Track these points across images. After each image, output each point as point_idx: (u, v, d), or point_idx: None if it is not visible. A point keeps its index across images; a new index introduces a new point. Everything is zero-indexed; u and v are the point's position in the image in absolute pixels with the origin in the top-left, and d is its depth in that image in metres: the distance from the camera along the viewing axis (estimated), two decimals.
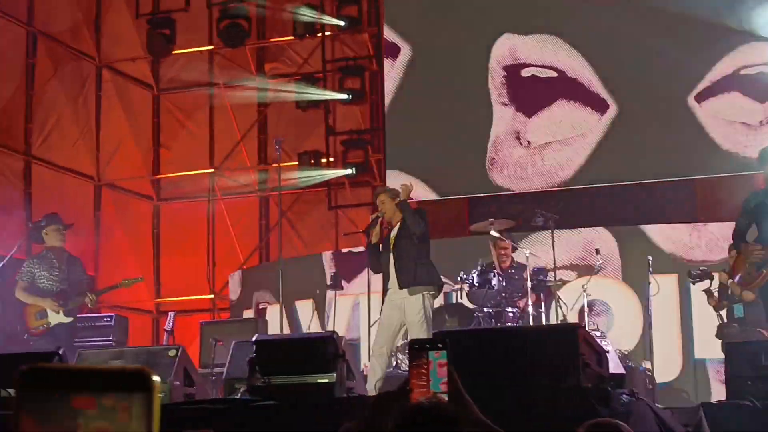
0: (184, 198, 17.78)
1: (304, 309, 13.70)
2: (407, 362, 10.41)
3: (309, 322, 13.31)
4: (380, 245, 9.50)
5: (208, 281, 17.32)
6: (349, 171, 16.05)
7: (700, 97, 13.44)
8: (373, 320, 12.06)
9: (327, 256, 14.28)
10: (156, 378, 0.98)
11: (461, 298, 11.38)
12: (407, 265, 9.27)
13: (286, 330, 12.45)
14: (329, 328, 12.75)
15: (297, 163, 16.18)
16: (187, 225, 17.72)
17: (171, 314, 11.50)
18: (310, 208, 17.20)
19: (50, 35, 16.17)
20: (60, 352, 6.44)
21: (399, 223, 9.45)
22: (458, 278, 11.46)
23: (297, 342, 6.86)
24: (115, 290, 11.53)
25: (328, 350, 6.23)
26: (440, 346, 3.16)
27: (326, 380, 6.29)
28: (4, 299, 10.70)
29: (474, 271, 11.32)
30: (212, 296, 17.14)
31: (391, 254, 9.37)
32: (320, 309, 13.48)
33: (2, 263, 10.09)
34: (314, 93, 16.44)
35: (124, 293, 16.26)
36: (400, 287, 9.21)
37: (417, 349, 3.20)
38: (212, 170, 17.49)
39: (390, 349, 9.32)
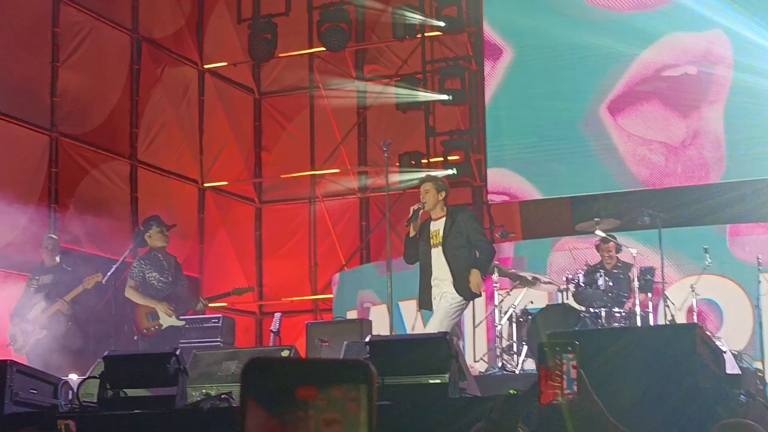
0: (285, 200, 17.96)
1: (408, 309, 13.71)
2: (513, 363, 10.32)
3: (413, 323, 13.32)
4: (418, 236, 9.26)
5: (311, 282, 17.46)
6: (449, 171, 16.02)
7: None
8: (477, 320, 12.06)
9: None
10: (374, 369, 1.00)
11: (567, 299, 11.29)
12: (463, 274, 9.02)
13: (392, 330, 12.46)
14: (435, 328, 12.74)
15: (398, 164, 16.21)
16: (289, 227, 17.89)
17: (277, 315, 11.57)
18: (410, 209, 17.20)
19: (154, 41, 16.46)
20: (177, 353, 6.53)
21: (444, 219, 9.20)
22: (564, 278, 11.38)
23: (410, 342, 6.86)
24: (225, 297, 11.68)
25: (441, 350, 6.21)
26: (571, 348, 3.15)
27: (439, 381, 6.28)
28: (116, 301, 10.87)
29: (580, 271, 11.23)
30: (315, 297, 17.27)
31: (438, 250, 9.14)
32: (424, 310, 13.46)
33: (115, 267, 10.23)
34: (414, 94, 16.46)
35: (229, 298, 16.51)
36: (461, 295, 9.02)
37: (549, 351, 3.18)
38: (313, 172, 17.62)
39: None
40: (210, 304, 11.28)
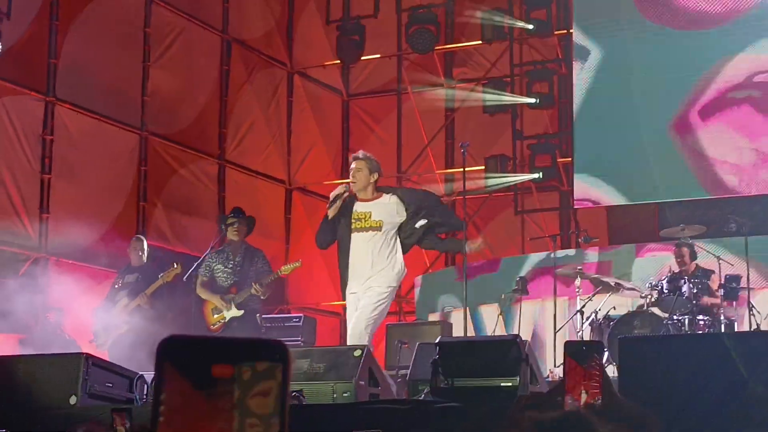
0: None
1: (489, 314, 13.67)
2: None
3: (494, 327, 13.26)
4: (337, 219, 8.38)
5: None
6: (536, 175, 15.93)
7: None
8: (559, 325, 11.96)
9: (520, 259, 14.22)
10: (290, 351, 1.00)
11: (651, 306, 11.12)
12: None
13: (471, 334, 12.43)
14: (514, 332, 12.68)
15: (483, 167, 16.15)
16: None
17: None
18: (496, 213, 17.16)
19: (244, 42, 16.62)
20: None
21: (376, 202, 8.37)
22: (648, 285, 11.22)
23: (480, 344, 6.83)
24: (278, 278, 11.35)
25: (511, 353, 6.17)
26: (597, 351, 3.13)
27: (509, 384, 6.23)
28: (198, 300, 10.94)
29: (664, 277, 11.07)
30: (398, 299, 17.27)
31: (360, 236, 8.33)
32: (505, 314, 13.42)
33: (197, 264, 10.29)
34: (502, 97, 16.40)
35: (313, 295, 16.64)
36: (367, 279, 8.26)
37: (581, 352, 3.16)
38: (400, 174, 17.64)
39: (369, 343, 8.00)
40: (291, 300, 11.20)
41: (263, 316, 11.51)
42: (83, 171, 13.79)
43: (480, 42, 16.88)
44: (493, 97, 16.51)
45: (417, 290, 15.73)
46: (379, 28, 17.40)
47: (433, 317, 14.34)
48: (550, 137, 16.42)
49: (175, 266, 10.59)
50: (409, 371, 7.20)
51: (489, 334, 13.15)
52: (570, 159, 15.51)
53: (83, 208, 13.66)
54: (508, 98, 16.37)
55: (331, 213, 8.39)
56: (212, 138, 16.01)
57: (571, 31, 15.49)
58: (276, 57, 17.39)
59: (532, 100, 16.01)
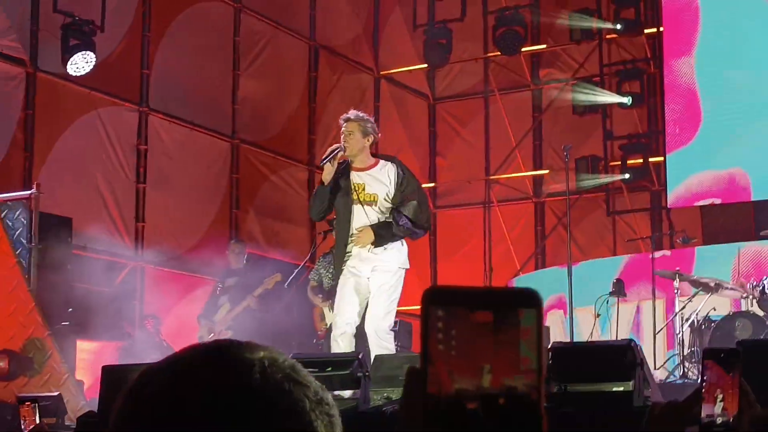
0: (460, 205, 17.97)
1: (583, 317, 13.54)
2: (695, 371, 10.04)
3: (590, 331, 13.14)
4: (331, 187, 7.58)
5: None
6: (627, 176, 15.78)
7: None
8: (658, 327, 11.84)
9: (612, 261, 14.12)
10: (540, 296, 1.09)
11: (752, 306, 10.95)
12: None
13: (567, 338, 12.35)
14: (611, 335, 12.56)
15: (574, 168, 16.02)
16: (464, 231, 17.89)
17: None
18: (586, 214, 17.02)
19: (331, 49, 16.70)
20: (360, 357, 6.59)
21: (374, 170, 7.61)
22: (749, 285, 11.05)
23: (594, 349, 6.77)
24: None
25: (626, 358, 6.12)
26: (734, 357, 3.08)
27: (623, 389, 6.18)
28: (297, 305, 11.01)
29: (765, 277, 10.88)
30: None
31: (361, 208, 7.56)
32: (601, 317, 13.28)
33: (296, 271, 10.38)
34: (592, 96, 16.24)
35: (405, 299, 16.61)
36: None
37: (720, 359, 3.11)
38: (488, 177, 17.60)
39: (354, 328, 7.53)
40: None
41: None
42: (177, 180, 13.96)
43: (568, 42, 16.76)
44: (583, 98, 16.37)
45: None
46: (466, 32, 17.35)
47: None
48: (641, 137, 16.24)
49: (276, 274, 10.71)
50: None
51: (585, 337, 13.04)
52: (662, 158, 15.33)
53: (177, 216, 13.83)
54: (601, 98, 16.20)
55: (326, 177, 7.56)
56: (301, 144, 16.12)
57: (661, 29, 15.33)
58: (363, 62, 17.44)
59: (626, 100, 15.83)
